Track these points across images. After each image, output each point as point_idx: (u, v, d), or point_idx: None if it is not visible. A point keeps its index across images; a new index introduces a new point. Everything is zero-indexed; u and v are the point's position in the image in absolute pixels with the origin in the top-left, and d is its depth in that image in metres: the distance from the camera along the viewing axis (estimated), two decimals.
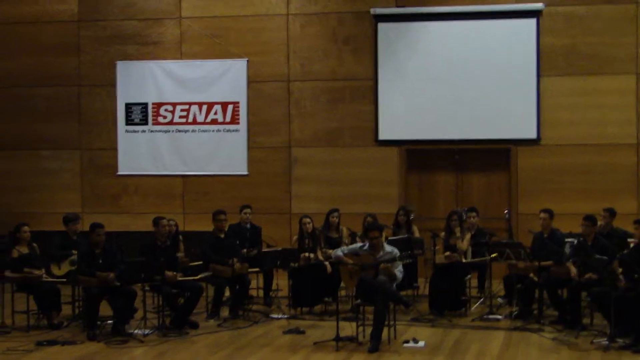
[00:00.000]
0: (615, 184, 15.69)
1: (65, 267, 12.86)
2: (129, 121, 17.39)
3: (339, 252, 11.86)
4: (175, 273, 12.30)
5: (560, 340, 11.23)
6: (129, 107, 17.39)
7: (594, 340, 11.04)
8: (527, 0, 16.04)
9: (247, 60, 16.99)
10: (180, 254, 13.62)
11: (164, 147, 17.28)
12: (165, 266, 12.20)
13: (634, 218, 12.24)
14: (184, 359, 10.65)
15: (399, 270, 11.45)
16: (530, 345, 11.10)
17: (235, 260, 12.77)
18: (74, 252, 12.79)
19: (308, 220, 13.66)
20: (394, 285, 11.44)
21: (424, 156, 16.65)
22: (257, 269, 13.68)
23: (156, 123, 17.31)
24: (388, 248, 11.63)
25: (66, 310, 12.94)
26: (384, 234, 12.96)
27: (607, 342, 10.84)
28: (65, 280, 12.81)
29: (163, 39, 17.37)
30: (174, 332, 11.90)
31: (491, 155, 16.35)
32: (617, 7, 15.76)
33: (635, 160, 15.69)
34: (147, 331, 11.76)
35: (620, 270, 11.46)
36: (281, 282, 14.12)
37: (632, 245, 12.24)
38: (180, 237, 14.24)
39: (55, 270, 12.85)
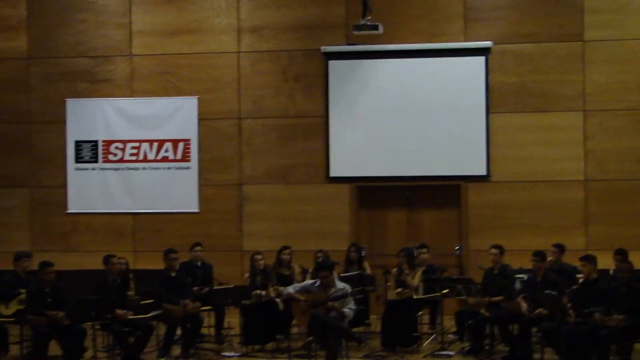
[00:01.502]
0: (563, 219, 15.85)
1: (13, 306, 12.68)
2: (79, 159, 17.26)
3: (290, 289, 11.89)
4: (125, 311, 12.21)
5: None
6: (79, 144, 17.28)
7: None
8: (476, 38, 16.22)
9: (198, 98, 16.98)
10: (130, 292, 13.50)
11: (115, 184, 17.17)
12: (116, 304, 12.11)
13: (582, 254, 12.35)
14: None
15: (350, 307, 11.46)
16: None
17: (186, 301, 12.66)
18: (23, 290, 12.61)
19: (259, 257, 13.65)
20: (346, 322, 11.44)
21: (375, 193, 16.69)
22: (208, 307, 13.60)
23: (106, 161, 17.20)
24: (340, 285, 11.68)
25: (14, 350, 12.75)
26: (335, 271, 12.97)
27: None
28: (13, 319, 12.64)
29: (113, 76, 17.31)
30: None
31: (442, 192, 16.44)
32: (565, 45, 16.00)
33: (583, 196, 15.87)
34: None
35: (569, 305, 11.56)
36: (233, 319, 14.05)
37: (580, 280, 12.35)
38: (131, 275, 14.12)
39: (3, 310, 12.67)
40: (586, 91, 15.95)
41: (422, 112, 16.30)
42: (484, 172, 16.12)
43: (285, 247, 14.05)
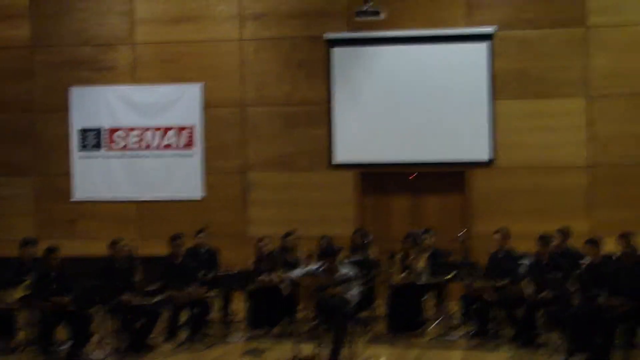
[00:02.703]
0: (567, 205, 15.85)
1: (19, 292, 12.66)
2: (83, 146, 17.29)
3: (295, 273, 11.86)
4: (132, 296, 12.21)
5: (517, 358, 11.32)
6: (83, 132, 17.30)
7: (550, 358, 11.12)
8: (479, 24, 16.22)
9: (202, 85, 16.99)
10: (137, 277, 13.51)
11: (119, 172, 17.20)
12: (122, 289, 12.12)
13: (587, 238, 12.34)
14: None
15: (354, 292, 11.46)
16: None
17: (192, 286, 12.67)
18: (29, 277, 12.61)
19: (265, 242, 13.66)
20: (351, 306, 11.45)
21: (379, 179, 16.72)
22: (214, 293, 13.61)
23: (110, 148, 17.23)
24: (345, 269, 11.66)
25: (21, 335, 12.76)
26: (339, 257, 12.96)
27: (563, 359, 10.91)
28: (19, 305, 12.64)
29: (117, 64, 17.33)
30: (131, 355, 11.80)
31: (446, 178, 16.46)
32: (567, 31, 15.98)
33: (587, 181, 15.88)
34: (104, 354, 11.65)
35: (574, 288, 11.58)
36: (239, 304, 14.07)
37: (584, 265, 12.36)
38: (137, 261, 14.13)
39: (9, 296, 12.66)
40: (589, 77, 15.94)
41: (426, 98, 16.30)
42: (487, 158, 16.12)
43: (290, 233, 14.07)
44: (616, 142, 15.85)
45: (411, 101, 16.33)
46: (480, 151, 16.15)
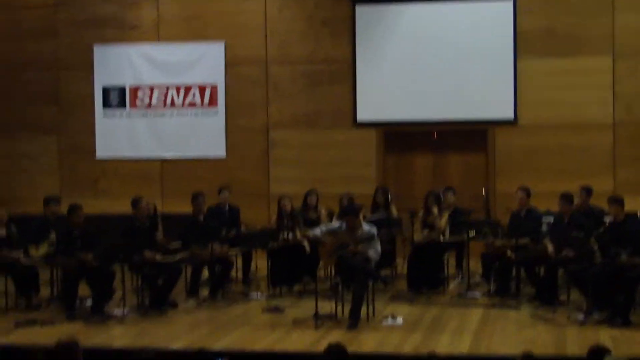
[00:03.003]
0: (591, 163, 15.78)
1: (43, 249, 12.78)
2: (106, 105, 17.35)
3: (317, 231, 11.87)
4: (154, 253, 12.28)
5: (537, 316, 11.30)
6: (106, 90, 17.35)
7: (571, 316, 11.11)
8: None
9: (225, 43, 16.97)
10: (159, 235, 13.61)
11: (142, 130, 17.26)
12: (145, 247, 12.19)
13: (609, 197, 12.27)
14: (162, 337, 10.63)
15: (376, 249, 11.47)
16: (507, 321, 11.17)
17: (214, 244, 12.72)
18: (53, 233, 12.71)
19: (287, 200, 13.67)
20: (372, 264, 11.47)
21: (401, 137, 16.69)
22: (235, 251, 13.68)
23: (134, 107, 17.28)
24: (366, 227, 11.65)
25: (45, 291, 12.92)
26: (361, 214, 12.96)
27: (583, 318, 10.90)
28: (44, 261, 12.78)
29: (140, 22, 17.34)
30: (153, 311, 11.91)
31: (469, 136, 16.42)
32: None
33: (612, 140, 15.78)
34: (126, 311, 11.76)
35: (596, 247, 11.54)
36: (260, 262, 14.15)
37: (607, 223, 12.32)
38: (159, 218, 14.22)
39: (33, 252, 12.78)
40: (615, 34, 15.79)
41: (450, 56, 16.22)
42: (511, 117, 16.05)
43: (312, 191, 14.08)
44: None
45: (435, 60, 16.26)
46: (504, 110, 16.08)
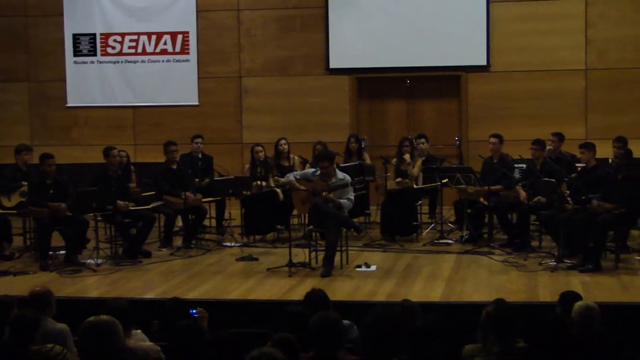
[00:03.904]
0: (564, 109, 15.82)
1: (15, 199, 12.74)
2: (77, 52, 17.18)
3: (291, 176, 11.83)
4: (127, 202, 12.26)
5: (509, 262, 11.37)
6: (76, 37, 17.17)
7: (542, 262, 11.21)
8: None
9: None
10: (132, 185, 13.61)
11: (114, 78, 17.12)
12: (117, 196, 12.16)
13: (582, 143, 12.32)
14: (136, 287, 10.66)
15: (349, 197, 11.49)
16: (480, 267, 11.26)
17: (188, 192, 12.71)
18: (24, 183, 12.63)
19: (260, 148, 13.64)
20: (346, 211, 11.49)
21: (375, 84, 16.66)
22: (209, 199, 13.67)
23: (105, 54, 17.12)
24: (340, 175, 11.65)
25: (17, 241, 12.88)
26: (335, 162, 12.96)
27: (555, 263, 11.00)
28: (15, 211, 12.73)
29: None
30: (126, 261, 11.92)
31: (442, 83, 16.42)
32: None
33: (584, 86, 15.82)
34: (99, 260, 11.76)
35: (567, 192, 11.61)
36: (234, 211, 14.15)
37: (579, 168, 12.40)
38: (132, 167, 14.22)
39: (5, 202, 12.74)
40: None
41: (422, 2, 16.14)
42: (484, 62, 16.04)
43: (281, 138, 14.05)
44: (614, 45, 15.75)
45: (408, 4, 16.17)
46: (476, 55, 16.07)
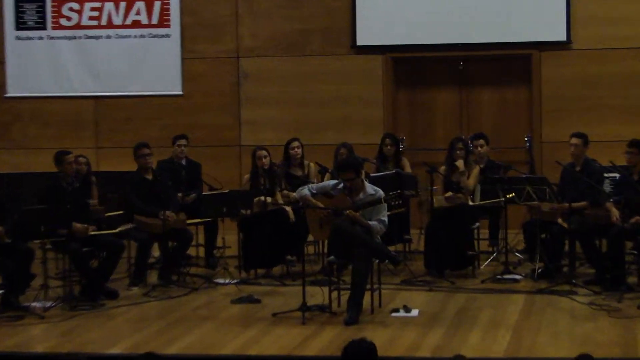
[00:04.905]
0: None
1: None
2: (20, 25, 17.24)
3: (305, 190, 11.76)
4: (86, 225, 12.21)
5: (597, 305, 11.29)
6: (19, 6, 17.24)
7: None
8: None
9: None
10: (92, 201, 13.59)
11: (69, 58, 17.19)
12: (74, 216, 12.12)
13: None
14: (98, 338, 10.62)
15: (383, 218, 11.43)
16: (558, 311, 11.17)
17: (168, 212, 12.70)
18: None
19: (264, 153, 13.63)
20: (378, 237, 11.45)
21: (417, 67, 16.69)
22: (196, 220, 13.66)
23: (57, 27, 17.20)
24: (370, 189, 11.60)
25: None
26: (364, 171, 12.91)
27: None
28: None
29: None
30: (85, 303, 11.88)
31: (506, 65, 16.43)
32: None
33: None
34: (49, 303, 11.74)
35: None
36: (228, 236, 14.12)
37: None
38: (93, 178, 14.22)
39: None
40: None
41: None
42: (563, 37, 16.03)
43: (294, 140, 14.05)
44: None
45: None
46: (553, 28, 16.08)
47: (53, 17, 17.16)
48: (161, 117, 16.81)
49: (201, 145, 15.69)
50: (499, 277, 12.75)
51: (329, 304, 11.26)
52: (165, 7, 16.94)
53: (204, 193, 14.07)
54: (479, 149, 13.84)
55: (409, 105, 16.75)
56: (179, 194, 13.70)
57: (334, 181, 11.95)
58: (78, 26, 17.14)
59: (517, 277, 12.78)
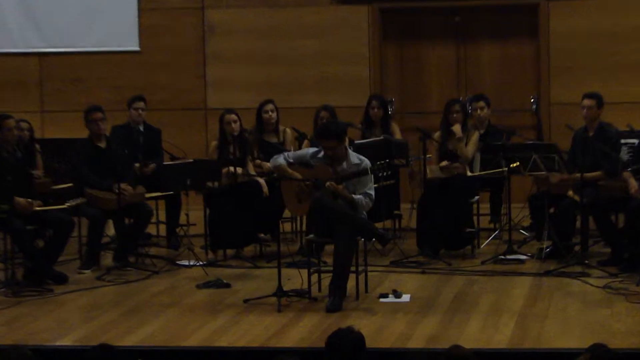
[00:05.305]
0: None
1: None
2: None
3: (281, 159, 11.76)
4: (30, 200, 12.20)
5: (613, 288, 11.34)
6: None
7: None
8: None
9: None
10: (37, 172, 13.57)
11: (10, 11, 17.09)
12: (15, 190, 12.11)
13: None
14: (45, 328, 10.60)
15: (370, 191, 11.43)
16: (568, 296, 11.23)
17: (123, 184, 12.71)
18: None
19: (234, 117, 13.65)
20: (364, 212, 11.45)
21: (408, 18, 16.68)
22: (156, 194, 13.66)
23: None
24: (355, 157, 11.59)
25: None
26: (347, 138, 12.89)
27: None
28: None
29: None
30: (30, 289, 11.88)
31: (509, 15, 16.43)
32: None
33: None
34: None
35: None
36: (193, 212, 14.12)
37: None
38: (38, 146, 14.18)
39: None
40: None
41: None
42: None
43: (267, 102, 14.06)
44: None
45: None
46: None
47: None
48: (115, 77, 16.75)
49: (161, 109, 15.69)
50: (501, 257, 12.80)
51: (308, 288, 11.30)
52: None
53: (164, 163, 14.05)
54: (479, 112, 13.86)
55: (398, 63, 16.74)
56: (136, 164, 13.69)
57: (314, 149, 11.94)
58: None
59: (522, 257, 12.84)
